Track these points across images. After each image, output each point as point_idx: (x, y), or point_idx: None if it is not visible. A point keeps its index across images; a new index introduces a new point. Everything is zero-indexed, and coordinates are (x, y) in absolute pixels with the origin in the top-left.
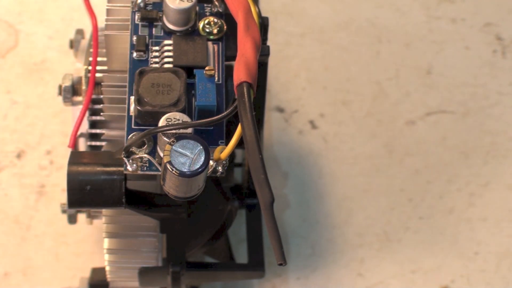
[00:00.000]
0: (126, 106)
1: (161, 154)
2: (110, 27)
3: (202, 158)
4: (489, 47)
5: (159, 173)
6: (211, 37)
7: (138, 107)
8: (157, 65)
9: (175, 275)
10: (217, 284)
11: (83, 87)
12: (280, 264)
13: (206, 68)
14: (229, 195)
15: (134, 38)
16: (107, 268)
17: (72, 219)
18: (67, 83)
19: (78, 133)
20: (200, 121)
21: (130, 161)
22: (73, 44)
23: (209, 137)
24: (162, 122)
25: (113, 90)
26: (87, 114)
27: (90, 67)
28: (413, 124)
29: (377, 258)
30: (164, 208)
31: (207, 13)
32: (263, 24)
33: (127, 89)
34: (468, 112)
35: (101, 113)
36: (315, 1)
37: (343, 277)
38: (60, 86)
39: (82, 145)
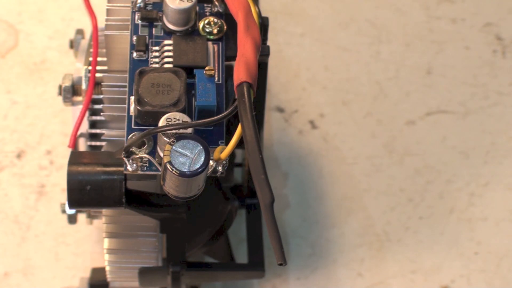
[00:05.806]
0: (126, 106)
1: (161, 154)
2: (110, 27)
3: (202, 158)
4: (489, 47)
5: (159, 173)
6: (211, 37)
7: (138, 107)
8: (157, 65)
9: (175, 275)
10: (217, 284)
11: (83, 87)
12: (280, 264)
13: (206, 68)
14: (229, 195)
15: (134, 38)
16: (107, 268)
17: (72, 219)
18: (67, 83)
19: (78, 133)
20: (200, 121)
21: (130, 161)
22: (73, 44)
23: (209, 137)
24: (162, 122)
25: (113, 90)
26: (87, 114)
27: (90, 67)
28: (413, 124)
29: (377, 258)
30: (164, 208)
31: (207, 13)
32: (263, 24)
33: (127, 89)
34: (468, 112)
35: (101, 113)
36: (315, 1)
37: (343, 277)
38: (60, 86)
39: (82, 145)
